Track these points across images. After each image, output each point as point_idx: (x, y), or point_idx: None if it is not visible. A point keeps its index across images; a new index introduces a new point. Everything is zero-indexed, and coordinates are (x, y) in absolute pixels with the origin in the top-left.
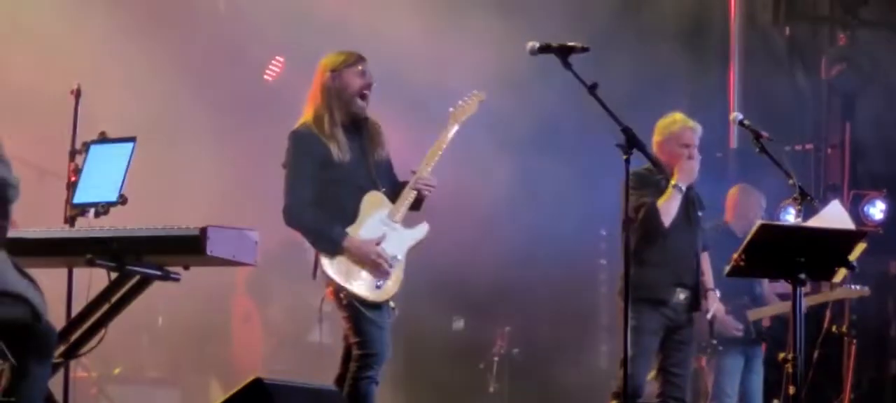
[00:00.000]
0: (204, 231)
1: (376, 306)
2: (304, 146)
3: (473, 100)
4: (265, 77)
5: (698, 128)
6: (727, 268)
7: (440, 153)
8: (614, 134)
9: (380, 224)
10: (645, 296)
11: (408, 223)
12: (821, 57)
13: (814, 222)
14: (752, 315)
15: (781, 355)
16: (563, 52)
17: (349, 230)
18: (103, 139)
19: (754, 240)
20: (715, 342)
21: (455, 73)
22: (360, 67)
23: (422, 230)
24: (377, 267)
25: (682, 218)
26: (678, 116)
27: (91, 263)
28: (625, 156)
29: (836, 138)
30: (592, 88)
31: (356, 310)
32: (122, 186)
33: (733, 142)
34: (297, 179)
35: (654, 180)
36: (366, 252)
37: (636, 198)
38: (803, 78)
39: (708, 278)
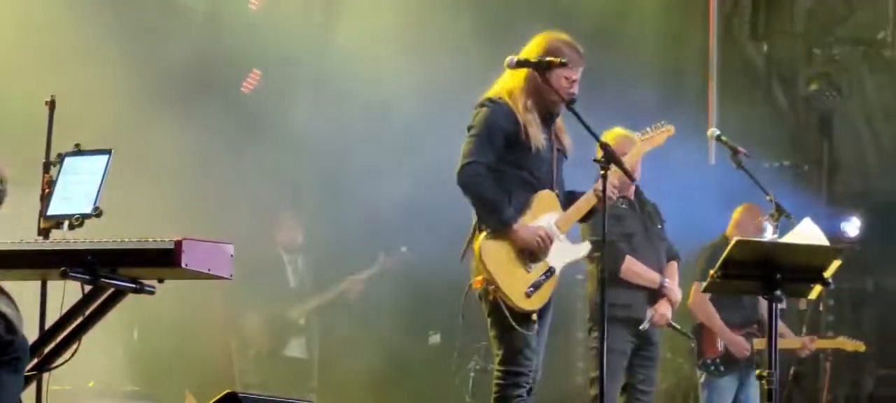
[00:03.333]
0: (179, 244)
1: (524, 317)
2: (499, 116)
3: (663, 133)
4: (242, 90)
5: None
6: (704, 284)
7: (620, 172)
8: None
9: (546, 228)
10: (621, 316)
11: (570, 237)
12: (798, 74)
13: (787, 239)
14: (758, 343)
15: (758, 371)
16: (541, 68)
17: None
18: (78, 151)
19: (730, 256)
20: (715, 365)
21: (439, 87)
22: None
23: (584, 248)
24: (536, 253)
25: (641, 234)
26: (618, 131)
27: (65, 276)
28: (602, 172)
29: (814, 155)
30: (570, 103)
31: (501, 316)
32: (97, 198)
33: (711, 159)
34: (485, 145)
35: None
36: (534, 232)
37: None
38: (781, 94)
39: (671, 287)
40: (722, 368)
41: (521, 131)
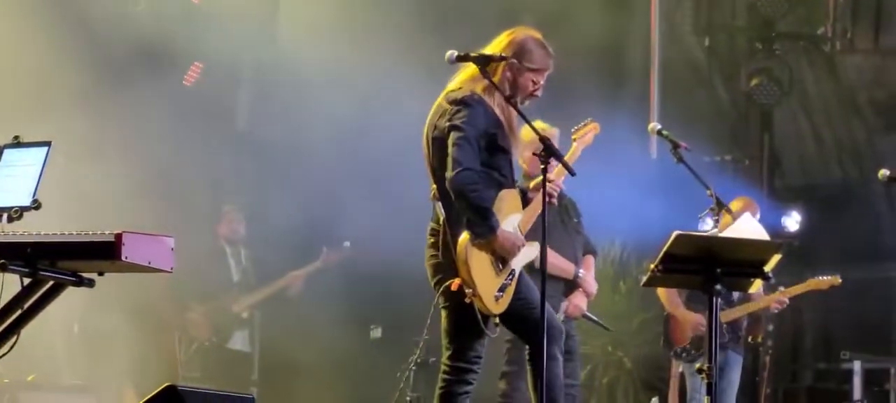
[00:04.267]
0: (119, 237)
1: (487, 320)
2: (482, 117)
3: (590, 131)
4: (184, 82)
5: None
6: (644, 279)
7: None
8: None
9: (512, 228)
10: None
11: None
12: (740, 69)
13: (727, 233)
14: (725, 316)
15: (697, 365)
16: (482, 61)
17: None
18: (17, 143)
19: (671, 250)
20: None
21: (383, 80)
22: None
23: (535, 249)
24: (508, 259)
25: (558, 228)
26: (537, 124)
27: (3, 268)
28: (542, 166)
29: (755, 149)
30: (509, 97)
31: (468, 317)
32: (36, 191)
33: (653, 153)
34: (471, 148)
35: None
36: (514, 241)
37: None
38: (722, 89)
39: (586, 278)
40: (693, 353)
41: (502, 132)
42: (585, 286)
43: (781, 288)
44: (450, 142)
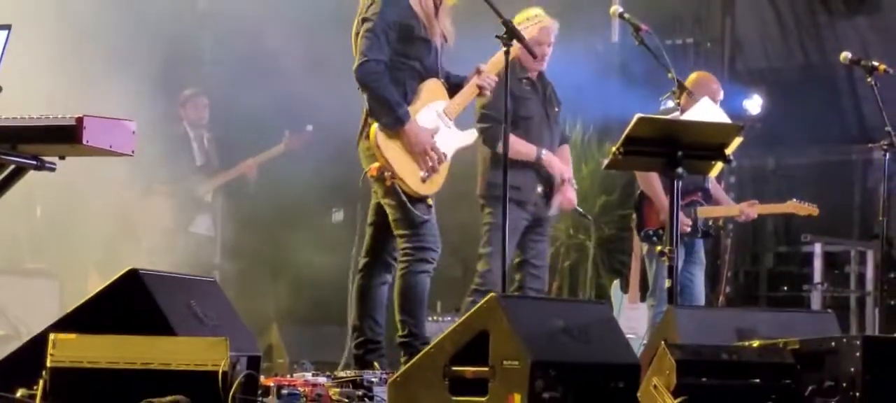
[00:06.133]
0: (80, 120)
1: (420, 199)
2: (393, 9)
3: (536, 25)
4: None
5: (555, 25)
6: (605, 162)
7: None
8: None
9: (435, 116)
10: (514, 198)
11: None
12: None
13: (688, 116)
14: (703, 212)
15: (659, 247)
16: None
17: None
18: None
19: (632, 133)
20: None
21: None
22: None
23: (471, 135)
24: (426, 161)
25: (541, 115)
26: (535, 12)
27: None
28: (504, 48)
29: (716, 32)
30: None
31: (400, 199)
32: None
33: (615, 37)
34: (378, 39)
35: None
36: (423, 141)
37: None
38: None
39: (566, 170)
40: (663, 235)
41: (419, 25)
42: (551, 167)
43: (754, 203)
44: (360, 34)
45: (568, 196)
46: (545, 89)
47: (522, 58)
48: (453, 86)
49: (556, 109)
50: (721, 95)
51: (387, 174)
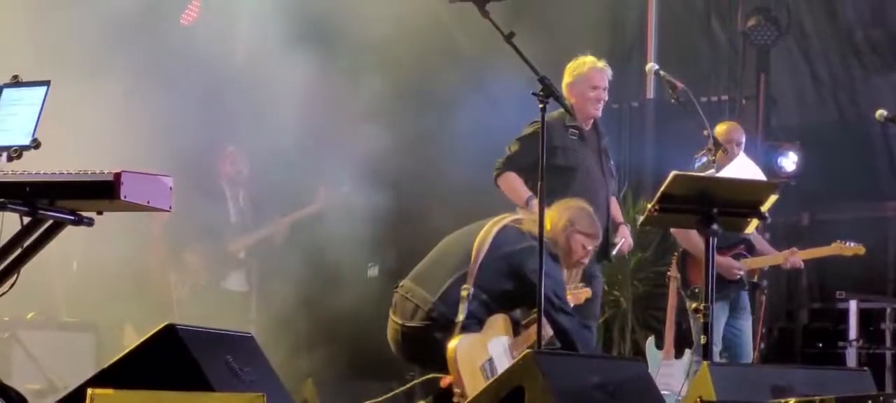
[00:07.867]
0: (118, 176)
1: None
2: None
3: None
4: (181, 21)
5: (608, 71)
6: (641, 218)
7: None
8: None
9: (502, 349)
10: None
11: None
12: (737, 8)
13: (724, 173)
14: (747, 263)
15: (693, 305)
16: (481, 1)
17: None
18: (16, 82)
19: (668, 190)
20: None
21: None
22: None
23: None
24: None
25: (596, 170)
26: (588, 58)
27: (3, 208)
28: (541, 105)
29: (751, 89)
30: (509, 37)
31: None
32: (35, 130)
33: (650, 93)
34: None
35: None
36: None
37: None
38: (719, 29)
39: (617, 215)
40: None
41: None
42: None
43: (794, 250)
44: None
45: (628, 238)
46: (599, 140)
47: (576, 104)
48: None
49: (611, 162)
50: (743, 140)
51: (457, 391)
